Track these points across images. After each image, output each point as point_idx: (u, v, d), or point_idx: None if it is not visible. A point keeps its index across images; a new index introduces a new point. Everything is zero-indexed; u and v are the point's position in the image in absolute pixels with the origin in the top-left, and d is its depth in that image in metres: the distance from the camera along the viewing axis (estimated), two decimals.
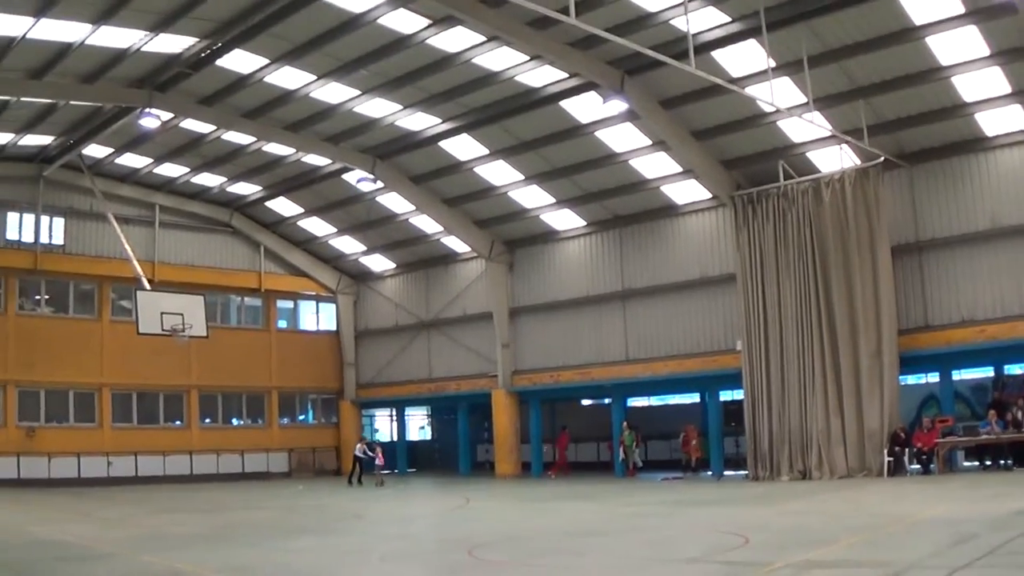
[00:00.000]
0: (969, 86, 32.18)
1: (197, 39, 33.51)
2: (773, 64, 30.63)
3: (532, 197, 45.17)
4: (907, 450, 34.51)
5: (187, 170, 47.77)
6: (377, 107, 39.31)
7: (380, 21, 31.88)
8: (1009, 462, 33.64)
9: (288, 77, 36.52)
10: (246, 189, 50.72)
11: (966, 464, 36.28)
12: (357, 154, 43.87)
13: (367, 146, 43.33)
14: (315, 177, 47.61)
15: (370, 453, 45.84)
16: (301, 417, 58.11)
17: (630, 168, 40.96)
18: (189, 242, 52.43)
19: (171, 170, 47.92)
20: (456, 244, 51.00)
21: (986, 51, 30.36)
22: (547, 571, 16.98)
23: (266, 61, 35.11)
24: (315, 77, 36.35)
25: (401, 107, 39.11)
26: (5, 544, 22.31)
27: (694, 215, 42.24)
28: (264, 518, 29.16)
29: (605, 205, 44.12)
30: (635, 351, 44.13)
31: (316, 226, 53.72)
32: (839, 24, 30.43)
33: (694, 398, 48.88)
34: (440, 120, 40.25)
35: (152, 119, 38.00)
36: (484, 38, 33.04)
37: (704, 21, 30.79)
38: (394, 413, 60.28)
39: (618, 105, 35.43)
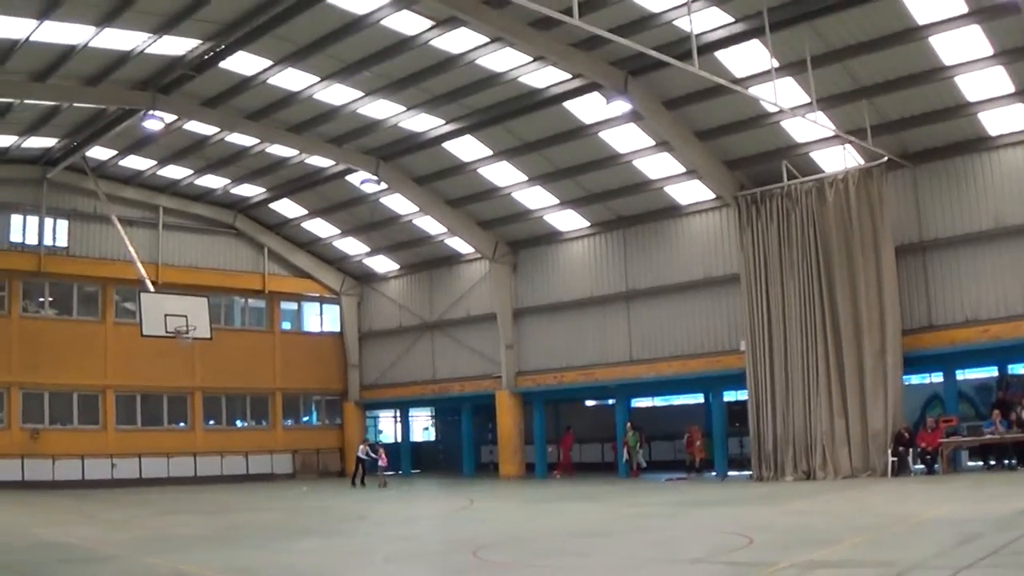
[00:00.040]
0: (972, 86, 32.17)
1: (200, 41, 33.53)
2: (776, 64, 30.59)
3: (536, 198, 45.17)
4: (911, 450, 34.48)
5: (191, 172, 47.79)
6: (380, 108, 39.33)
7: (383, 23, 31.89)
8: (1013, 462, 33.64)
9: (291, 79, 36.53)
10: (250, 191, 50.75)
11: (970, 464, 36.28)
12: (361, 155, 43.88)
13: (371, 147, 43.35)
14: (319, 179, 47.63)
15: (372, 454, 45.85)
16: (305, 419, 58.10)
17: (634, 169, 40.96)
18: (193, 244, 52.46)
19: (175, 172, 47.95)
20: (460, 245, 50.99)
21: (989, 51, 30.34)
22: (551, 572, 16.98)
23: (269, 63, 35.12)
24: (319, 79, 36.37)
25: (404, 108, 39.13)
26: (10, 546, 22.33)
27: (698, 215, 42.22)
28: (268, 519, 29.16)
29: (609, 206, 44.11)
30: (639, 352, 44.11)
31: (320, 228, 53.74)
32: (842, 24, 30.44)
33: (698, 399, 48.87)
34: (443, 121, 40.26)
35: (156, 121, 38.06)
36: (487, 39, 33.05)
37: (707, 21, 30.80)
38: (398, 414, 60.35)
39: (621, 106, 35.43)
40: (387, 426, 62.53)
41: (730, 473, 41.40)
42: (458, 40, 33.21)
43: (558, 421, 53.01)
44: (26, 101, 36.98)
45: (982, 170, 34.48)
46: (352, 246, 55.10)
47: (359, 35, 32.66)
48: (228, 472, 51.00)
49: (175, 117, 39.37)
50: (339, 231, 53.47)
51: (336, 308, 58.49)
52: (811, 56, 30.66)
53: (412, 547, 21.57)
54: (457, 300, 52.36)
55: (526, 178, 43.40)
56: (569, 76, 35.77)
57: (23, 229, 47.01)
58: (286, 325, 57.72)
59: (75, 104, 37.91)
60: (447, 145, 41.99)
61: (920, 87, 32.46)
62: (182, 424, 51.88)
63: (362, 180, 45.18)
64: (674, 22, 30.63)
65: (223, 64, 35.20)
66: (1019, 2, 27.51)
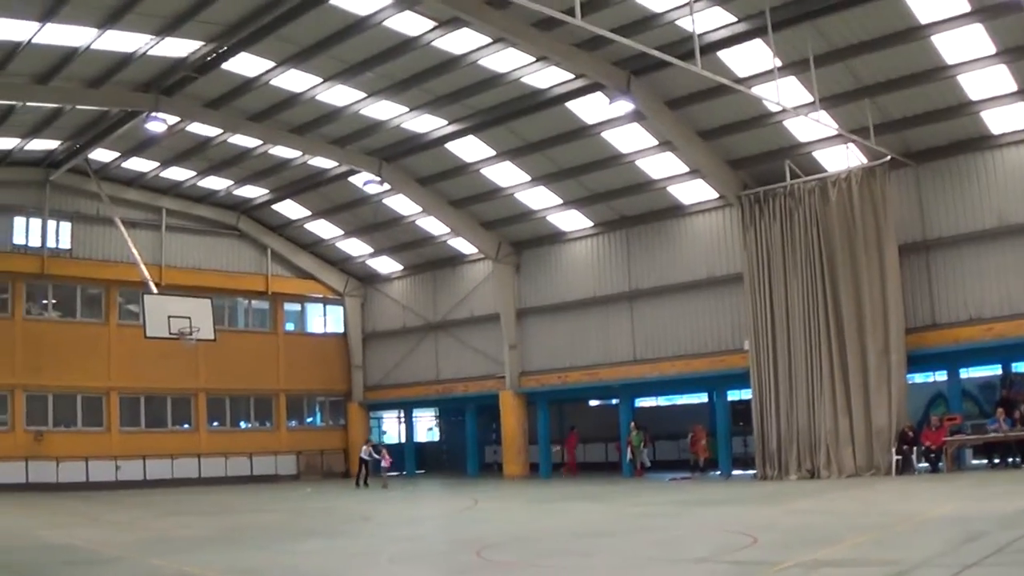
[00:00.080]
0: (975, 84, 32.16)
1: (203, 43, 33.56)
2: (779, 64, 30.60)
3: (539, 198, 45.19)
4: (915, 448, 34.48)
5: (194, 173, 47.83)
6: (383, 109, 39.35)
7: (386, 23, 31.91)
8: (1017, 460, 33.63)
9: (294, 80, 36.55)
10: (253, 192, 50.77)
11: (974, 462, 36.28)
12: (363, 156, 43.91)
13: (373, 148, 43.38)
14: (322, 180, 47.66)
15: (375, 455, 45.86)
16: (309, 419, 58.14)
17: (636, 168, 40.97)
18: (196, 245, 52.49)
19: (178, 174, 47.99)
20: (463, 246, 51.02)
21: (992, 49, 30.33)
22: (555, 572, 16.96)
23: (272, 64, 35.14)
24: (321, 80, 36.39)
25: (407, 109, 39.16)
26: (14, 548, 22.34)
27: (701, 215, 42.22)
28: (272, 521, 29.15)
29: (612, 206, 44.11)
30: (642, 351, 44.12)
31: (323, 229, 53.78)
32: (845, 23, 30.43)
33: (702, 398, 48.84)
34: (446, 122, 40.29)
35: (158, 123, 38.12)
36: (490, 40, 33.06)
37: (710, 21, 30.79)
38: (402, 415, 60.29)
39: (624, 106, 35.45)
40: (391, 427, 62.59)
41: (734, 472, 41.38)
42: (460, 41, 33.23)
43: (562, 421, 53.01)
44: (29, 104, 37.05)
45: (985, 169, 34.47)
46: (355, 247, 55.11)
47: (361, 36, 32.69)
48: (232, 473, 51.00)
49: (178, 119, 39.42)
50: (342, 232, 53.49)
51: (340, 309, 58.54)
52: (813, 55, 30.65)
53: (416, 547, 21.57)
54: (461, 301, 52.38)
55: (529, 178, 43.42)
56: (572, 76, 35.78)
57: (26, 231, 47.07)
58: (290, 326, 57.75)
59: (78, 106, 37.93)
60: (450, 146, 42.01)
61: (923, 86, 32.45)
62: (186, 425, 51.89)
63: (365, 181, 45.26)
64: (676, 22, 30.63)
65: (226, 65, 35.25)
66: (1021, 1, 27.51)
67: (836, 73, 32.41)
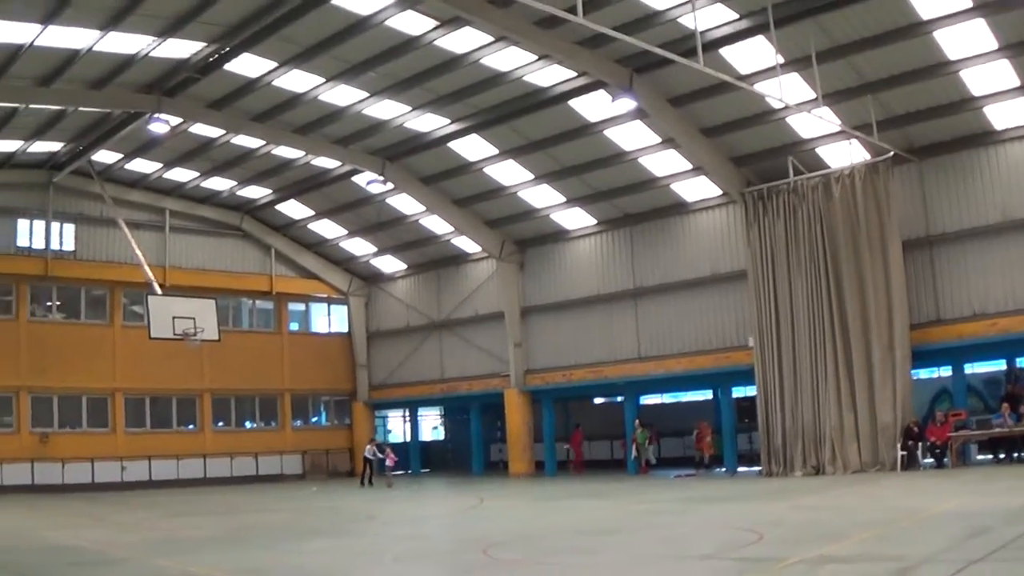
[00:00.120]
0: (977, 80, 32.13)
1: (205, 44, 33.57)
2: (781, 60, 30.64)
3: (542, 196, 45.19)
4: (920, 444, 34.47)
5: (197, 174, 47.86)
6: (386, 109, 39.36)
7: (388, 23, 31.90)
8: (1023, 455, 33.60)
9: (297, 80, 36.56)
10: (256, 192, 50.80)
11: (979, 457, 36.24)
12: (367, 156, 43.93)
13: (376, 148, 43.39)
14: (325, 180, 47.68)
15: (379, 454, 45.88)
16: (314, 419, 58.17)
17: (640, 166, 40.96)
18: (200, 246, 52.53)
19: (181, 175, 48.03)
20: (467, 244, 51.06)
21: (994, 44, 30.30)
22: (561, 569, 16.98)
23: (274, 64, 35.15)
24: (324, 80, 36.40)
25: (410, 108, 39.16)
26: (20, 549, 22.38)
27: (704, 212, 42.22)
28: (277, 520, 29.19)
29: (615, 203, 44.11)
30: (647, 349, 44.12)
31: (327, 228, 53.80)
32: (847, 19, 30.41)
33: (707, 395, 48.82)
34: (449, 121, 40.29)
35: (161, 124, 38.09)
36: (492, 38, 33.05)
37: (712, 18, 30.74)
38: (407, 414, 60.32)
39: (627, 103, 35.45)
40: (396, 426, 62.56)
41: (739, 469, 41.43)
42: (463, 40, 33.22)
43: (567, 419, 53.02)
44: (32, 106, 37.07)
45: (988, 164, 34.45)
46: (359, 246, 55.14)
47: (363, 36, 32.69)
48: (238, 473, 51.06)
49: (180, 120, 39.43)
50: (346, 232, 53.52)
51: (344, 308, 58.58)
52: (816, 52, 30.65)
53: (422, 546, 21.60)
54: (465, 299, 52.40)
55: (532, 177, 43.43)
56: (574, 74, 35.79)
57: (30, 233, 47.11)
58: (294, 326, 57.82)
59: (80, 108, 37.95)
60: (453, 145, 42.02)
61: (925, 82, 32.42)
62: (191, 426, 51.96)
63: (368, 180, 45.25)
64: (678, 19, 30.60)
65: (228, 66, 35.26)
66: None
67: (838, 69, 32.38)
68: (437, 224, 49.91)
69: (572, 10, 22.78)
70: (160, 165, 46.52)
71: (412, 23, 32.13)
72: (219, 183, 49.33)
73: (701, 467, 42.87)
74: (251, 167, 46.50)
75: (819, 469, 35.63)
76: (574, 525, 24.18)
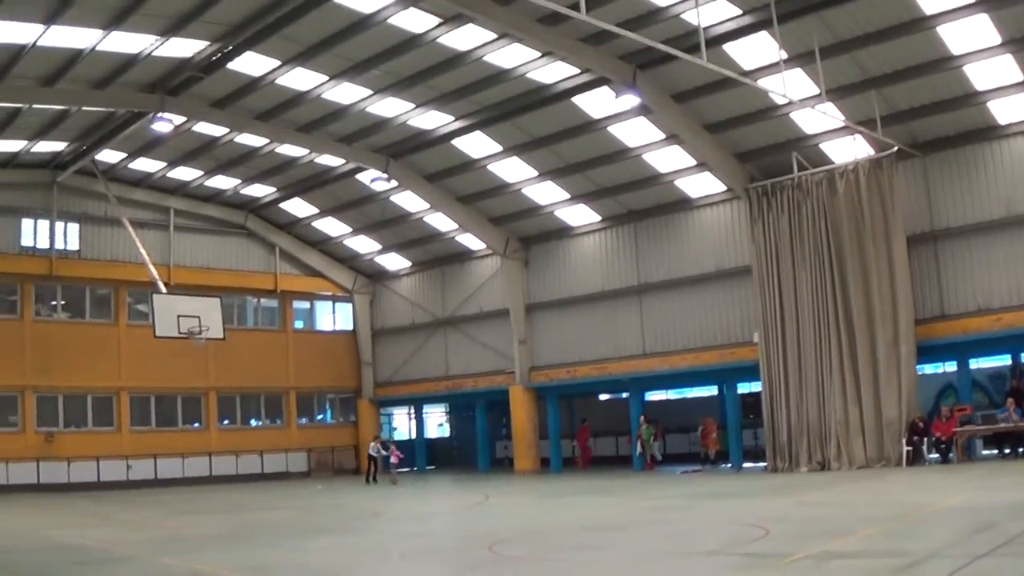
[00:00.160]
0: (981, 75, 32.10)
1: (208, 42, 33.58)
2: (785, 56, 30.60)
3: (546, 193, 45.19)
4: (926, 439, 34.46)
5: (201, 173, 47.88)
6: (389, 106, 39.36)
7: (390, 21, 31.90)
8: None
9: (300, 78, 36.57)
10: (260, 191, 50.82)
11: (985, 452, 36.30)
12: (370, 154, 43.93)
13: (380, 145, 43.40)
14: (329, 177, 47.70)
15: (384, 451, 45.92)
16: (319, 417, 58.22)
17: (643, 162, 40.94)
18: (204, 245, 52.56)
19: (185, 173, 48.06)
20: (471, 241, 51.07)
21: (997, 39, 30.28)
22: (567, 566, 16.97)
23: (277, 63, 35.16)
24: (327, 78, 36.40)
25: (413, 106, 39.15)
26: (25, 549, 22.38)
27: (708, 208, 42.19)
28: (283, 518, 29.19)
29: (619, 200, 44.09)
30: (652, 345, 44.10)
31: (331, 226, 53.82)
32: (850, 15, 30.39)
33: (712, 391, 48.80)
34: (453, 118, 40.30)
35: (165, 123, 38.08)
36: (495, 35, 33.05)
37: (715, 14, 30.74)
38: (412, 411, 60.41)
39: (630, 100, 35.46)
40: (401, 423, 62.62)
41: (745, 465, 41.45)
42: (466, 37, 33.21)
43: (572, 416, 53.04)
44: (35, 106, 37.10)
45: (992, 159, 34.41)
46: (363, 244, 55.17)
47: (366, 34, 32.69)
48: (243, 471, 51.12)
49: (184, 119, 39.43)
50: (350, 229, 53.56)
51: (348, 306, 58.59)
52: (819, 47, 30.66)
53: (428, 543, 21.60)
54: (469, 296, 52.41)
55: (536, 173, 43.42)
56: (577, 71, 35.79)
57: (34, 233, 47.13)
58: (299, 324, 57.85)
59: (84, 108, 37.97)
60: (457, 142, 42.04)
61: (929, 77, 32.39)
62: (196, 424, 52.01)
63: (372, 178, 45.25)
64: (682, 15, 30.62)
65: (231, 65, 35.26)
66: None
67: (842, 65, 32.35)
68: (441, 221, 49.94)
69: (575, 7, 22.80)
70: (164, 164, 46.55)
71: (415, 21, 32.13)
72: (223, 182, 49.36)
73: (707, 463, 42.95)
74: (255, 165, 46.52)
75: (824, 465, 35.62)
76: (579, 521, 24.17)
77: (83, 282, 48.71)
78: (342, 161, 45.14)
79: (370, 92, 37.77)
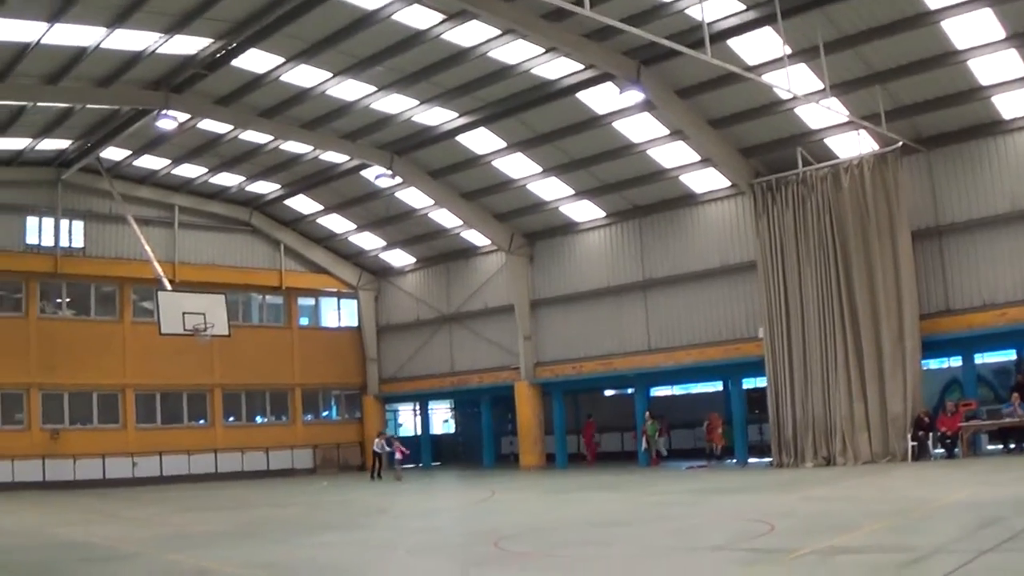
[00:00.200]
0: (985, 69, 32.04)
1: (212, 40, 33.59)
2: (789, 51, 30.57)
3: (551, 189, 45.19)
4: (931, 434, 34.44)
5: (205, 170, 47.92)
6: (394, 103, 39.36)
7: (394, 17, 31.90)
8: None
9: (304, 75, 36.58)
10: (265, 188, 50.84)
11: (990, 447, 36.24)
12: (375, 150, 43.93)
13: (384, 142, 43.40)
14: (333, 174, 47.70)
15: (388, 447, 45.97)
16: (325, 413, 58.29)
17: (648, 158, 40.93)
18: (209, 242, 52.59)
19: (189, 171, 48.09)
20: (476, 238, 51.05)
21: (1002, 34, 30.23)
22: (572, 562, 16.99)
23: (281, 60, 35.17)
24: (331, 75, 36.41)
25: (418, 102, 39.15)
26: (31, 546, 22.44)
27: (713, 203, 42.17)
28: (289, 515, 29.25)
29: (624, 195, 44.08)
30: (657, 341, 44.10)
31: (335, 223, 53.84)
32: (854, 10, 30.36)
33: (717, 386, 48.81)
34: (457, 114, 40.29)
35: (169, 120, 38.10)
36: (499, 31, 33.05)
37: (719, 9, 30.73)
38: (417, 407, 60.37)
39: (635, 95, 35.43)
40: (407, 419, 62.63)
41: (750, 460, 41.42)
42: (469, 33, 33.21)
43: (577, 411, 53.03)
44: (39, 104, 37.13)
45: (997, 153, 34.37)
46: (368, 241, 55.18)
47: (370, 30, 32.69)
48: (249, 468, 51.15)
49: (188, 116, 39.48)
50: (355, 226, 53.56)
51: (353, 303, 58.62)
52: (824, 42, 30.61)
53: (434, 539, 21.64)
54: (474, 292, 52.43)
55: (541, 169, 43.41)
56: (582, 67, 35.77)
57: (39, 231, 47.17)
58: (304, 321, 57.91)
59: (88, 105, 38.03)
60: (461, 138, 42.04)
61: (933, 71, 32.34)
62: (202, 421, 52.06)
63: (377, 175, 45.24)
64: (686, 11, 30.59)
65: (235, 62, 35.29)
66: None
67: (846, 60, 32.32)
68: (446, 218, 49.95)
69: (579, 2, 22.76)
70: (168, 161, 46.58)
71: (419, 17, 32.13)
72: (228, 179, 49.41)
73: (712, 459, 42.97)
74: (259, 162, 46.54)
75: (830, 460, 35.63)
76: (585, 517, 24.20)
77: (88, 280, 48.77)
78: (346, 158, 45.15)
79: (374, 89, 37.78)
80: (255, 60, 35.26)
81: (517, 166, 43.67)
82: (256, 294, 55.57)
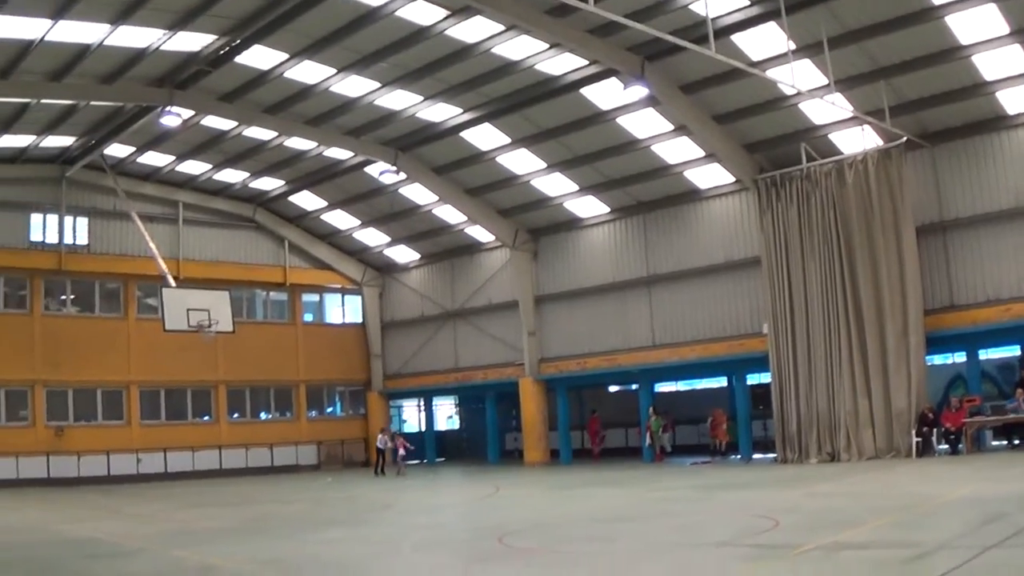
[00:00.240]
0: (990, 65, 31.98)
1: (216, 36, 33.62)
2: (793, 46, 30.56)
3: (555, 185, 45.18)
4: (935, 430, 34.42)
5: (209, 167, 47.95)
6: (398, 99, 39.36)
7: (398, 13, 31.91)
8: None
9: (308, 71, 36.59)
10: (269, 184, 50.85)
11: (994, 443, 36.25)
12: (379, 146, 43.95)
13: (389, 138, 43.41)
14: (338, 170, 47.71)
15: (390, 443, 46.02)
16: (329, 409, 58.31)
17: (652, 154, 40.91)
18: (213, 238, 52.62)
19: (193, 167, 48.13)
20: (480, 234, 51.06)
21: (1006, 29, 30.17)
22: (577, 557, 16.99)
23: (285, 56, 35.19)
24: (335, 71, 36.43)
25: (422, 98, 39.16)
26: (36, 543, 22.46)
27: (717, 199, 42.16)
28: (294, 511, 29.29)
29: (628, 191, 44.07)
30: (661, 336, 44.10)
31: (340, 219, 53.85)
32: (858, 5, 30.31)
33: (721, 382, 48.74)
34: (461, 110, 40.29)
35: (173, 117, 38.15)
36: (503, 27, 33.04)
37: (723, 5, 30.69)
38: (422, 403, 60.45)
39: (639, 91, 35.38)
40: (411, 415, 62.66)
41: (755, 456, 41.44)
42: (473, 29, 33.20)
43: (581, 407, 53.05)
44: (43, 101, 37.12)
45: (1001, 149, 34.33)
46: (372, 237, 55.19)
47: (374, 26, 32.70)
48: (253, 464, 51.14)
49: (192, 113, 39.53)
50: (359, 222, 53.56)
51: (358, 299, 58.62)
52: (828, 37, 30.55)
53: (438, 535, 21.67)
54: (478, 288, 52.43)
55: (545, 165, 43.41)
56: (586, 62, 35.74)
57: (43, 228, 47.20)
58: (308, 317, 57.94)
59: (92, 102, 38.05)
60: (465, 134, 42.02)
61: (937, 67, 32.29)
62: (206, 417, 52.10)
63: (381, 171, 45.25)
64: (690, 6, 30.54)
65: (239, 59, 35.32)
66: None
67: (850, 55, 32.27)
68: (450, 214, 49.95)
69: None
70: (172, 158, 46.61)
71: (422, 13, 32.13)
72: (232, 175, 49.43)
73: (716, 454, 42.91)
74: (263, 159, 46.56)
75: (834, 456, 35.62)
76: (589, 513, 24.23)
77: (92, 276, 48.80)
78: (351, 154, 45.17)
79: (378, 85, 37.79)
80: (259, 56, 35.28)
81: (521, 162, 43.67)
82: (260, 290, 55.62)
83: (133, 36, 32.68)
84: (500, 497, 31.42)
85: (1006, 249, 34.18)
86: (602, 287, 46.39)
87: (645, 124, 39.22)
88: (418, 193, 48.57)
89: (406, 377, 56.69)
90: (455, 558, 17.90)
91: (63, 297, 48.85)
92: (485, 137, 42.14)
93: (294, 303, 56.67)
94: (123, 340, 49.05)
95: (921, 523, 17.54)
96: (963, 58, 31.68)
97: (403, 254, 56.23)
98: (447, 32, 33.16)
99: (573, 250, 47.80)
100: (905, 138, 34.57)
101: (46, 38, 31.47)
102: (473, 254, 53.05)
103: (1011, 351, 38.50)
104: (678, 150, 40.48)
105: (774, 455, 38.43)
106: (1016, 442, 34.40)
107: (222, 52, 34.85)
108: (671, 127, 38.87)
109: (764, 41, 32.36)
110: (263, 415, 55.00)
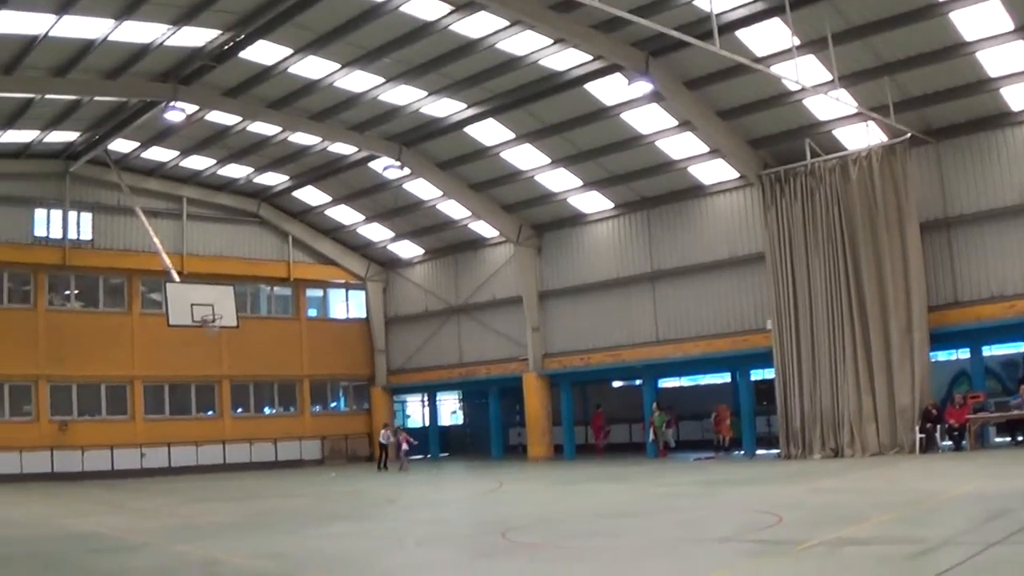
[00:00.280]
0: (994, 61, 31.95)
1: (220, 31, 33.61)
2: (797, 42, 30.52)
3: (559, 180, 45.16)
4: (939, 427, 34.43)
5: (213, 162, 47.95)
6: (402, 94, 39.36)
7: (402, 8, 31.90)
8: None
9: (312, 67, 36.58)
10: (273, 179, 50.86)
11: (998, 440, 36.25)
12: (383, 142, 43.95)
13: (393, 133, 43.40)
14: (341, 166, 47.73)
15: (393, 438, 46.06)
16: (333, 404, 58.32)
17: (656, 149, 40.89)
18: (217, 233, 52.63)
19: (198, 162, 48.13)
20: (484, 229, 51.07)
21: (1010, 25, 30.14)
22: (581, 553, 16.99)
23: (290, 51, 35.17)
24: (339, 66, 36.41)
25: (426, 94, 39.15)
26: (40, 537, 22.45)
27: (722, 195, 42.12)
28: (297, 505, 29.30)
29: (632, 187, 44.05)
30: (665, 332, 44.08)
31: (344, 214, 53.86)
32: (862, 1, 30.29)
33: (725, 378, 48.70)
34: (465, 106, 40.28)
35: (177, 112, 38.10)
36: (507, 23, 33.02)
37: (727, 0, 30.68)
38: (425, 398, 60.49)
39: (643, 87, 35.38)
40: (415, 410, 62.71)
41: (758, 452, 41.43)
42: (478, 24, 33.18)
43: (585, 403, 53.07)
44: (47, 96, 37.14)
45: (1006, 145, 34.28)
46: (376, 232, 55.21)
47: (378, 21, 32.69)
48: (257, 459, 51.21)
49: (196, 108, 39.52)
50: (363, 217, 53.58)
51: (362, 294, 58.63)
52: (832, 33, 30.54)
53: (442, 530, 21.69)
54: (482, 284, 52.43)
55: (549, 161, 43.39)
56: (590, 58, 35.73)
57: (47, 223, 47.25)
58: (312, 312, 57.93)
59: (96, 98, 38.04)
60: (469, 129, 42.03)
61: (942, 63, 32.25)
62: (210, 412, 52.12)
63: (385, 166, 45.23)
64: (694, 1, 30.57)
65: (243, 54, 35.28)
66: None
67: (855, 51, 32.25)
68: (454, 209, 49.96)
69: None
70: (177, 153, 46.63)
71: (427, 8, 32.11)
72: (236, 170, 49.41)
73: (720, 450, 42.97)
74: (267, 154, 46.55)
75: (838, 452, 35.61)
76: (593, 508, 24.24)
77: (96, 272, 48.83)
78: (355, 149, 45.18)
79: (382, 80, 37.78)
80: (263, 51, 35.26)
81: (525, 157, 43.66)
82: (264, 285, 55.60)
83: (137, 31, 32.67)
84: (503, 492, 31.42)
85: (1010, 245, 34.15)
86: (606, 283, 46.38)
87: (649, 120, 39.21)
88: (422, 188, 48.58)
89: (410, 372, 56.72)
90: (459, 553, 17.94)
91: (67, 292, 48.88)
92: (489, 132, 42.15)
93: (298, 298, 56.68)
94: (127, 335, 49.09)
95: (924, 519, 17.55)
96: (967, 54, 31.65)
97: (407, 249, 56.24)
98: (451, 27, 33.15)
99: (577, 246, 47.79)
100: (909, 134, 34.53)
101: (50, 33, 31.47)
102: (477, 249, 53.04)
103: (1015, 347, 38.55)
104: (682, 146, 40.46)
105: (778, 451, 38.41)
106: (1020, 439, 34.40)
107: (226, 47, 34.83)
108: (675, 123, 38.86)
109: (768, 37, 32.34)
110: (267, 410, 55.01)
